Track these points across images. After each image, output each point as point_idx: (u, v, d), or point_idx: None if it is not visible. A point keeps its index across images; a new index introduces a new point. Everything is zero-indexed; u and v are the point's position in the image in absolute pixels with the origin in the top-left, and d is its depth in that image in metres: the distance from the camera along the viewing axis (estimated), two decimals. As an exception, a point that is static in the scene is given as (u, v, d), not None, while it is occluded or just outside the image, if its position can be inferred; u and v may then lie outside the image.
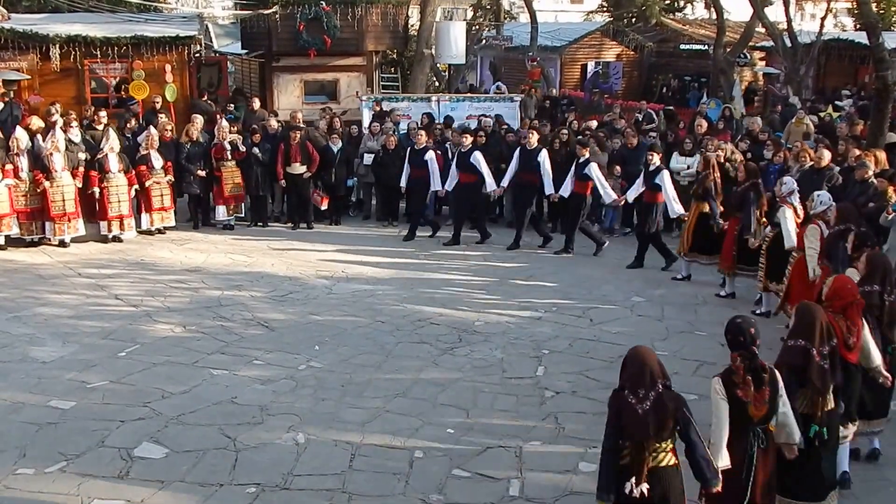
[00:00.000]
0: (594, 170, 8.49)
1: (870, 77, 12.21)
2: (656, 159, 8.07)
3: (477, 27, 21.48)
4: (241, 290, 7.49)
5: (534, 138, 8.82)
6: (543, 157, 8.73)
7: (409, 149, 9.29)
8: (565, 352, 6.09)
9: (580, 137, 9.41)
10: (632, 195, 8.28)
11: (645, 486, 3.17)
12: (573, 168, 8.68)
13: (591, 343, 6.26)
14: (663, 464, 3.25)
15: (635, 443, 3.20)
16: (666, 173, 8.11)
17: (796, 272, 5.99)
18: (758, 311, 6.78)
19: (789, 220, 6.19)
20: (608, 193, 8.59)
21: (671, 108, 14.04)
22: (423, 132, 9.35)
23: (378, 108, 11.07)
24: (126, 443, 4.61)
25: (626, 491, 3.22)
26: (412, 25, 16.39)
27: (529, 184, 8.96)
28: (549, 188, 8.82)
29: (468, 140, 8.91)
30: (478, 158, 8.83)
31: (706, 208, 7.46)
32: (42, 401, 5.12)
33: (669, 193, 7.93)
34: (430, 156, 9.18)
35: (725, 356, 5.94)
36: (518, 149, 8.97)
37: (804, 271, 5.82)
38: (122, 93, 11.83)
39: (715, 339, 6.38)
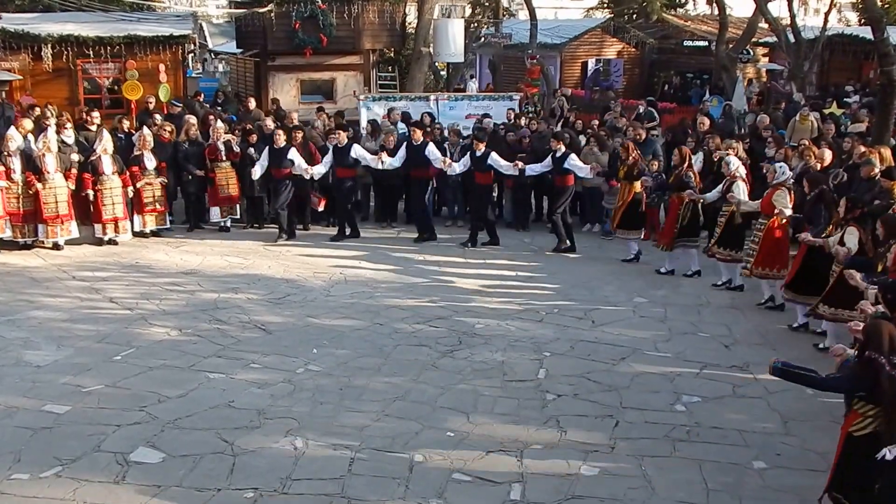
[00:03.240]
0: (574, 160, 8.59)
1: (874, 73, 12.14)
2: (561, 146, 8.58)
3: (475, 25, 21.42)
4: (237, 292, 7.43)
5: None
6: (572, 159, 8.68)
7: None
8: (567, 354, 6.03)
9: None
10: (537, 169, 8.83)
11: None
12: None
13: (592, 345, 6.20)
14: None
15: (889, 406, 3.45)
16: (573, 156, 8.68)
17: (766, 238, 6.67)
18: (718, 283, 7.56)
19: (742, 190, 7.16)
20: (587, 172, 8.76)
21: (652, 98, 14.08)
22: (417, 129, 9.24)
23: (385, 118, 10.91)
24: (122, 447, 4.56)
25: (881, 457, 3.43)
26: (410, 23, 16.33)
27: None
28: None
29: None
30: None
31: (638, 189, 8.18)
32: (36, 405, 5.06)
33: (582, 170, 8.59)
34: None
35: (729, 357, 5.97)
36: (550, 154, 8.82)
37: (772, 237, 6.61)
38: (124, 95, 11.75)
39: (718, 341, 6.33)
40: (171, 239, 9.24)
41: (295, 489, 4.20)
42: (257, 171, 9.03)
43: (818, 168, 7.40)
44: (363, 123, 11.06)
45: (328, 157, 9.17)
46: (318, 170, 9.11)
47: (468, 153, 9.02)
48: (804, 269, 6.19)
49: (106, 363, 5.75)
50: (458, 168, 9.05)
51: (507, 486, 4.25)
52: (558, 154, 8.64)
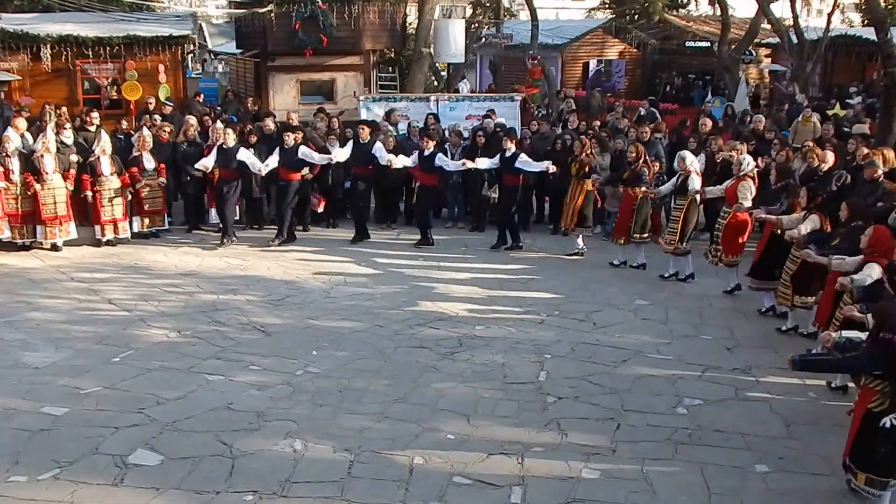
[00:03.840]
0: (524, 159, 8.66)
1: (878, 74, 12.10)
2: (511, 145, 8.67)
3: (476, 25, 21.38)
4: (236, 294, 7.40)
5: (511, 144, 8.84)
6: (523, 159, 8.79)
7: (418, 153, 9.12)
8: (568, 356, 6.00)
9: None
10: (486, 165, 8.91)
11: None
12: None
13: (593, 347, 6.17)
14: None
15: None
16: (523, 155, 8.74)
17: (728, 226, 7.12)
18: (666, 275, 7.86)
19: (696, 181, 7.60)
20: (452, 165, 8.99)
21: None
22: (429, 140, 9.16)
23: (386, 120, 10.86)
24: (120, 449, 4.54)
25: (882, 424, 3.78)
26: (410, 23, 16.28)
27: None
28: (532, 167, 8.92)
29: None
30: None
31: (590, 187, 8.46)
32: (34, 407, 5.04)
33: (533, 167, 8.69)
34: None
35: (731, 360, 5.94)
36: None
37: (734, 227, 7.08)
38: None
39: (720, 343, 6.30)
40: (170, 240, 9.21)
41: (294, 492, 4.18)
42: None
43: (824, 169, 7.40)
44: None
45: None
46: (270, 165, 8.95)
47: (417, 152, 9.06)
48: (767, 256, 6.59)
49: (104, 365, 5.73)
50: (407, 162, 9.02)
51: (507, 490, 4.23)
52: (508, 153, 8.70)
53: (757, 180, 7.46)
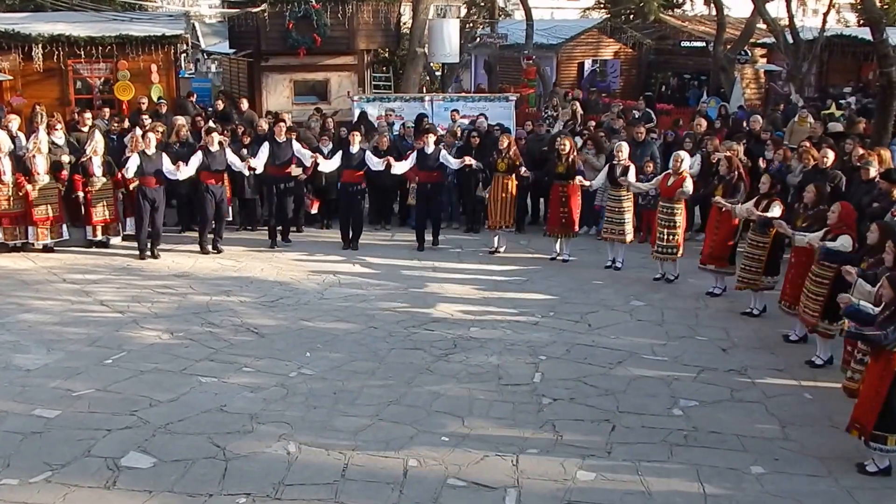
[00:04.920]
0: (445, 155, 8.81)
1: (874, 74, 12.13)
2: (431, 140, 8.82)
3: (471, 25, 21.35)
4: (229, 295, 7.36)
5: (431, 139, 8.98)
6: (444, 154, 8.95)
7: (417, 152, 9.08)
8: (563, 358, 5.98)
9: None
10: (405, 166, 8.93)
11: None
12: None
13: (588, 349, 6.16)
14: None
15: None
16: (443, 151, 8.85)
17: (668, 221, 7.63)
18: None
19: (632, 177, 7.98)
20: (455, 163, 9.00)
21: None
22: (431, 136, 9.10)
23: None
24: (113, 452, 4.51)
25: None
26: (404, 23, 16.26)
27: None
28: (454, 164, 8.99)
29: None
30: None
31: (510, 182, 8.62)
32: (26, 409, 5.00)
33: (452, 163, 8.88)
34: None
35: (727, 361, 5.94)
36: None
37: (678, 220, 7.60)
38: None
39: (716, 344, 6.30)
40: (163, 241, 9.14)
41: (288, 494, 4.16)
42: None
43: (822, 167, 7.44)
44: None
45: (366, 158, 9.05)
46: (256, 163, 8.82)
47: (340, 152, 9.04)
48: (721, 240, 7.20)
49: (97, 367, 5.69)
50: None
51: (502, 492, 4.21)
52: (427, 150, 8.80)
53: (749, 179, 7.51)
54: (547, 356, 5.99)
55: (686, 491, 4.23)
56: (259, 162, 8.72)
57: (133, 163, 8.29)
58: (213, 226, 8.79)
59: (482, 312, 6.93)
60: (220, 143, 8.74)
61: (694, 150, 9.03)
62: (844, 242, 5.57)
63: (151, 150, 8.39)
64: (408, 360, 5.90)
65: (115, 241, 8.96)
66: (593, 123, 11.07)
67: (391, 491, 4.20)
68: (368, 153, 9.05)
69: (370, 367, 5.75)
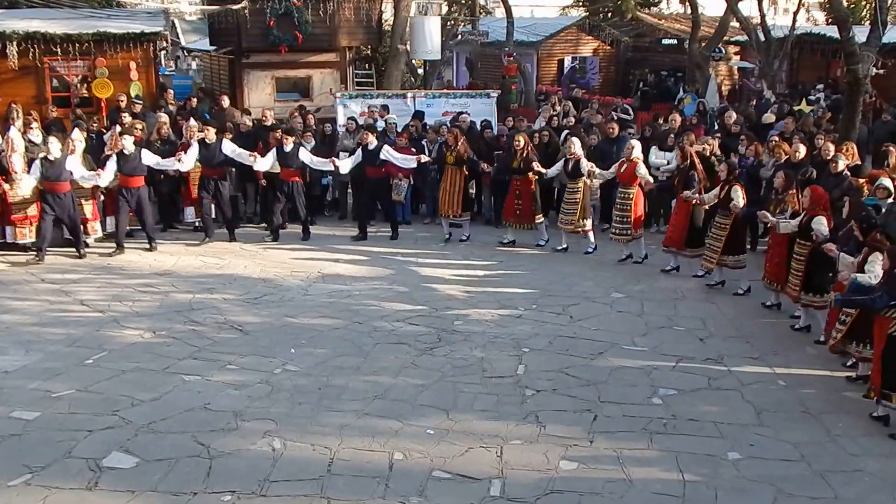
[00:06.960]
0: (390, 151, 8.96)
1: (841, 71, 12.40)
2: (371, 138, 9.02)
3: (452, 22, 21.39)
4: (212, 292, 7.32)
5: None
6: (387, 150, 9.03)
7: (362, 149, 9.13)
8: (545, 350, 6.06)
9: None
10: (349, 165, 9.15)
11: None
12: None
13: (570, 340, 6.23)
14: None
15: None
16: (387, 147, 9.02)
17: (634, 205, 8.08)
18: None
19: (584, 168, 8.41)
20: (407, 160, 9.15)
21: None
22: (371, 134, 9.20)
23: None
24: (94, 453, 4.46)
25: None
26: (386, 20, 16.24)
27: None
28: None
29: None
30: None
31: (458, 175, 8.88)
32: (4, 412, 4.93)
33: (397, 159, 9.02)
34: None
35: (705, 351, 6.06)
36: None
37: (636, 203, 8.06)
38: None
39: (694, 334, 6.42)
40: (144, 240, 9.06)
41: (273, 490, 4.16)
42: (263, 165, 8.98)
43: (794, 161, 7.63)
44: (340, 121, 10.96)
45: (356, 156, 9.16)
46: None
47: (360, 148, 9.18)
48: (680, 226, 7.66)
49: (77, 367, 5.62)
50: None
51: (486, 483, 4.26)
52: (371, 147, 8.97)
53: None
54: (530, 348, 6.06)
55: (665, 478, 4.31)
56: (188, 161, 8.76)
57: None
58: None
59: (465, 306, 6.97)
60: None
61: (673, 146, 9.14)
62: (822, 224, 5.95)
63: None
64: (392, 354, 5.93)
65: (90, 240, 8.84)
66: (572, 120, 11.17)
67: (377, 485, 4.22)
68: (387, 148, 9.15)
69: (355, 363, 5.77)
